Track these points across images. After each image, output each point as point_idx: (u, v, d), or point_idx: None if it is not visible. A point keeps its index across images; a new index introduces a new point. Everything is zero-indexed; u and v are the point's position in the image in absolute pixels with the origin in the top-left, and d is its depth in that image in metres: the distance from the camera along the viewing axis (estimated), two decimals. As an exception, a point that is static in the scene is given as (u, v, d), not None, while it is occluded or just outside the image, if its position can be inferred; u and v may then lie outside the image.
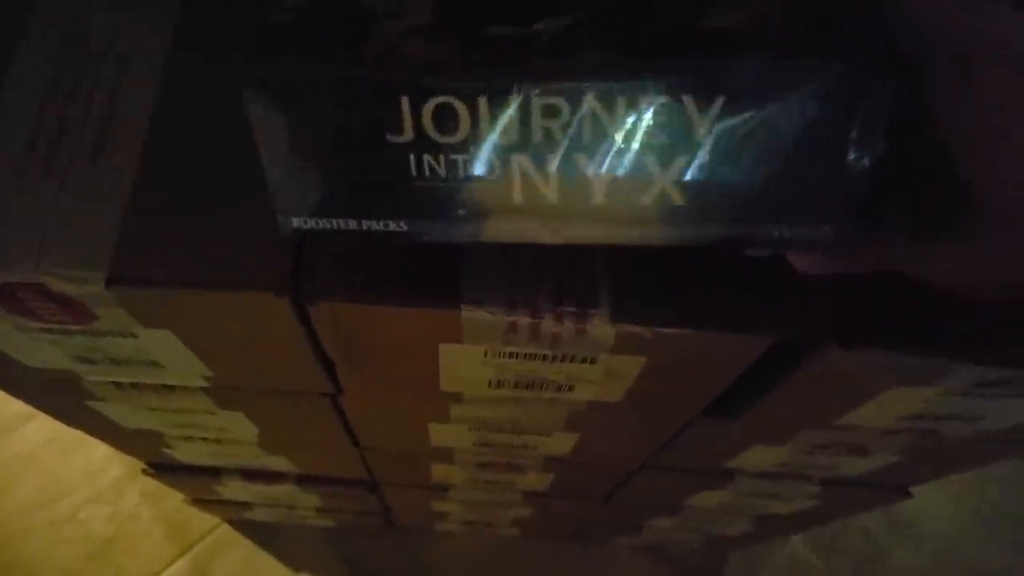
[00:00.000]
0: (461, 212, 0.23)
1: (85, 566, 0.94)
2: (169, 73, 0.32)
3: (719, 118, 0.20)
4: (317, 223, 0.23)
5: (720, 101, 0.20)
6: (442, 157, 0.22)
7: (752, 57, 0.19)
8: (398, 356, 0.34)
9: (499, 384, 0.37)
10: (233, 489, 0.71)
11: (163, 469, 0.67)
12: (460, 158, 0.21)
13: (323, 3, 0.21)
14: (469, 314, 0.29)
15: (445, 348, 0.32)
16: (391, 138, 0.21)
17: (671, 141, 0.21)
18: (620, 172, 0.21)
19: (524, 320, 0.29)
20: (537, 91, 0.20)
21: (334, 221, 0.23)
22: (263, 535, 0.96)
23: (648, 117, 0.20)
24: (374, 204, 0.23)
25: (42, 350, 0.35)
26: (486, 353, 0.33)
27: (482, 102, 0.20)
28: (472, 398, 0.40)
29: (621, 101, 0.20)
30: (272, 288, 0.28)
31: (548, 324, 0.30)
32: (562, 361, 0.33)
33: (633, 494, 0.62)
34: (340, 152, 0.22)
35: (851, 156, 0.20)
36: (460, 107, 0.20)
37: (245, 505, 0.82)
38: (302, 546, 0.96)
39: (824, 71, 0.19)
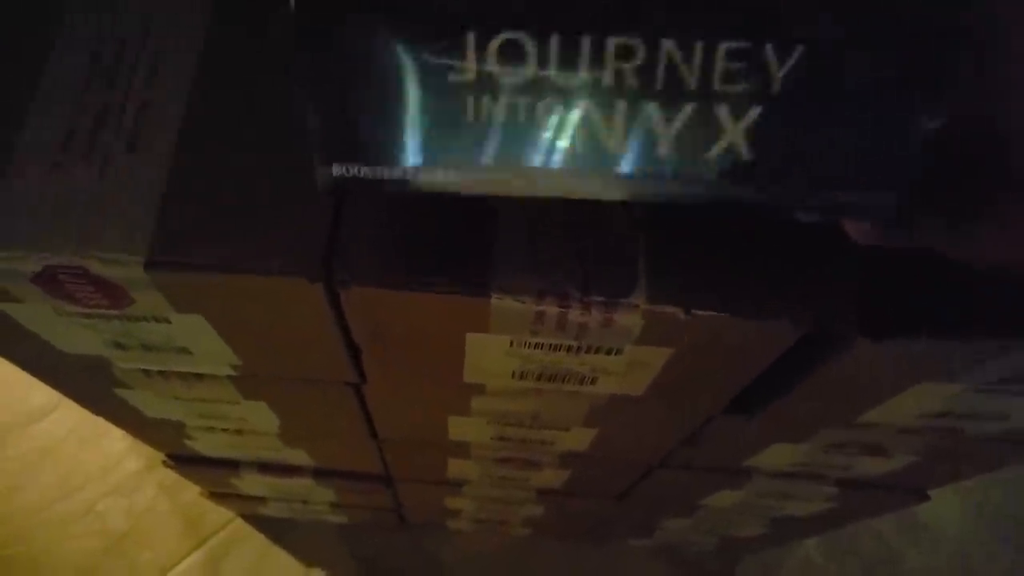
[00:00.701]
0: (515, 162, 0.21)
1: (101, 559, 0.95)
2: (204, 62, 0.32)
3: (797, 70, 0.19)
4: (360, 171, 0.22)
5: (799, 51, 0.19)
6: (503, 99, 0.20)
7: (833, 10, 0.19)
8: (425, 344, 0.35)
9: (522, 375, 0.37)
10: (250, 483, 0.72)
11: (183, 461, 0.67)
12: (522, 101, 0.20)
13: None
14: (498, 302, 0.30)
15: (472, 338, 0.33)
16: (452, 77, 0.20)
17: (746, 90, 0.20)
18: (691, 121, 0.21)
19: (552, 309, 0.30)
20: (613, 29, 0.19)
21: (379, 169, 0.22)
22: (277, 530, 0.97)
23: (725, 64, 0.19)
24: (423, 149, 0.21)
25: (78, 335, 0.36)
26: (511, 343, 0.33)
27: (554, 40, 0.19)
28: (494, 390, 0.40)
29: (699, 45, 0.19)
30: (305, 273, 0.29)
31: (575, 314, 0.30)
32: (587, 352, 0.33)
33: (648, 493, 0.62)
34: (393, 92, 0.21)
35: (919, 122, 0.20)
36: (529, 44, 0.19)
37: (260, 500, 0.82)
38: (315, 542, 0.96)
39: (903, 33, 0.19)
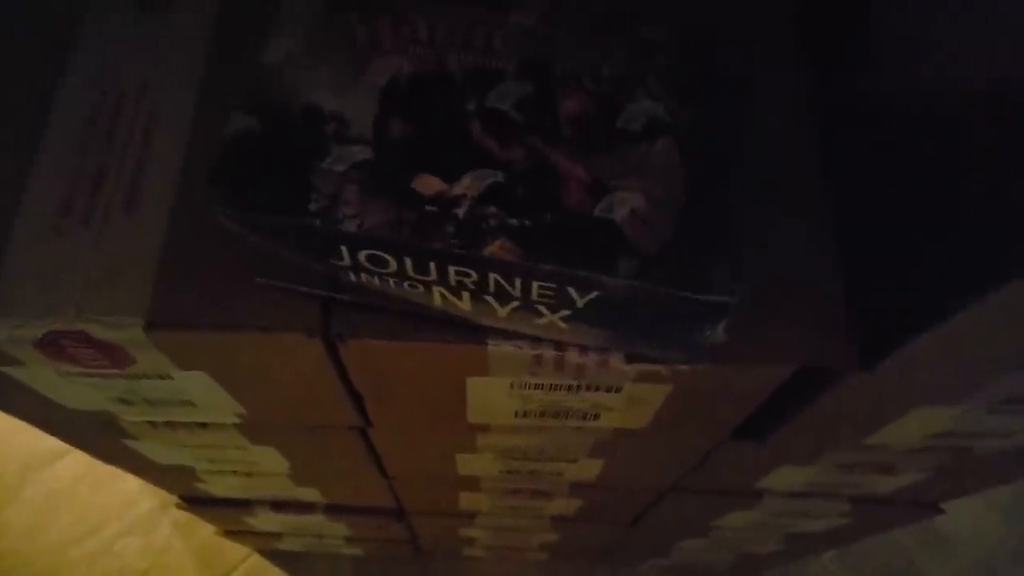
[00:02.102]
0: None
1: (121, 599, 0.95)
2: (199, 121, 0.33)
3: (595, 300, 0.24)
4: (279, 284, 0.29)
5: (595, 294, 0.24)
6: (376, 279, 0.26)
7: (623, 277, 0.23)
8: (427, 389, 0.35)
9: (525, 414, 0.37)
10: (263, 520, 0.72)
11: (195, 502, 0.67)
12: (391, 280, 0.26)
13: (276, 125, 0.25)
14: (495, 348, 0.30)
15: (472, 381, 0.33)
16: (334, 261, 0.25)
17: (556, 304, 0.25)
18: (518, 308, 0.26)
19: (549, 353, 0.30)
20: (451, 265, 0.24)
21: (294, 285, 0.29)
22: (294, 565, 0.96)
23: (539, 291, 0.24)
24: (327, 285, 0.28)
25: (82, 393, 0.36)
26: (512, 385, 0.33)
27: (408, 260, 0.24)
28: (499, 428, 0.40)
29: (518, 282, 0.24)
30: (304, 329, 0.29)
31: (572, 356, 0.30)
32: (587, 390, 0.33)
33: (661, 517, 0.62)
34: (296, 260, 0.26)
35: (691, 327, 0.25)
36: (389, 258, 0.24)
37: (275, 535, 0.82)
38: (332, 575, 0.96)
39: (675, 300, 0.23)
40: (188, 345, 0.31)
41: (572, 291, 0.24)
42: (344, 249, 0.24)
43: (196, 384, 0.35)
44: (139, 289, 0.30)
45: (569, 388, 0.33)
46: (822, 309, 0.30)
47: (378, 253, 0.24)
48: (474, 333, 0.29)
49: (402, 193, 0.24)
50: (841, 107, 0.34)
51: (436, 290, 0.25)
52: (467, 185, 0.23)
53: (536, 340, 0.29)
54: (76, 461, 1.02)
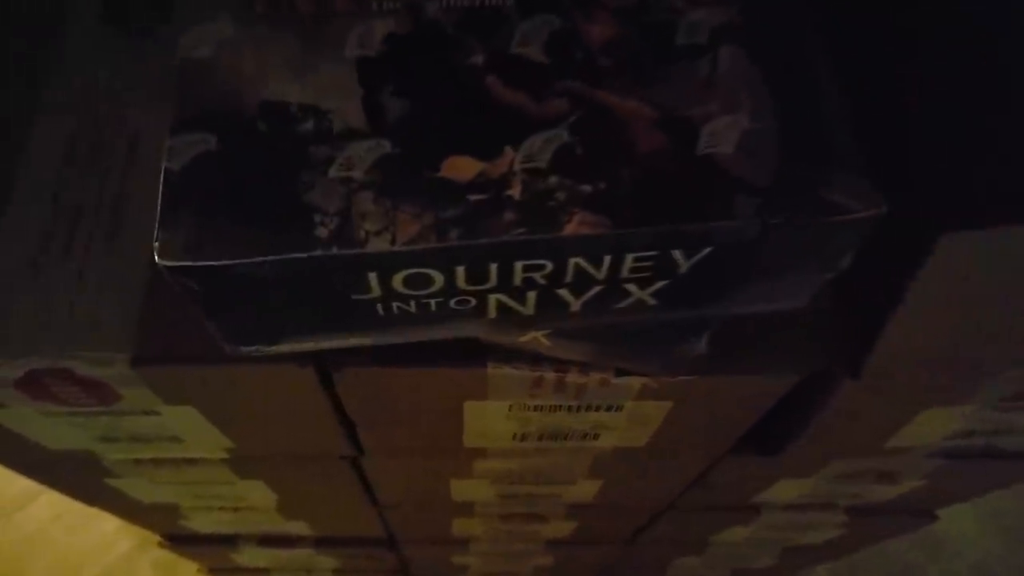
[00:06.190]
0: (427, 330, 0.22)
1: (99, 645, 0.92)
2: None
3: (704, 258, 0.20)
4: (271, 348, 0.23)
5: (706, 251, 0.19)
6: (413, 303, 0.20)
7: (742, 218, 0.19)
8: (423, 415, 0.34)
9: (524, 437, 0.36)
10: (249, 556, 0.70)
11: (179, 540, 0.65)
12: (433, 301, 0.20)
13: (231, 137, 0.20)
14: (495, 371, 0.29)
15: (470, 405, 0.32)
16: (356, 296, 0.20)
17: (654, 274, 0.20)
18: (599, 297, 0.21)
19: (550, 374, 0.29)
20: (519, 261, 0.19)
21: (291, 344, 0.23)
22: (280, 601, 0.94)
23: (633, 263, 0.20)
24: (335, 331, 0.22)
25: (64, 433, 0.35)
26: (511, 407, 0.33)
27: (460, 270, 0.19)
28: (496, 452, 0.40)
29: (607, 260, 0.20)
30: (295, 359, 0.28)
31: (574, 376, 0.30)
32: (587, 411, 0.33)
33: (658, 535, 0.61)
34: (294, 309, 0.21)
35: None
36: (435, 274, 0.19)
37: (262, 571, 0.80)
38: (320, 609, 0.94)
39: (814, 229, 0.19)
40: (176, 380, 0.30)
41: (678, 254, 0.19)
42: (373, 277, 0.19)
43: (184, 419, 0.33)
44: (124, 323, 0.29)
45: (569, 409, 0.33)
46: (815, 319, 0.30)
47: (421, 271, 0.19)
48: (474, 356, 0.29)
49: (433, 187, 0.18)
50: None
51: (492, 299, 0.20)
52: (512, 158, 0.19)
53: (536, 361, 0.29)
54: (50, 503, 0.98)
